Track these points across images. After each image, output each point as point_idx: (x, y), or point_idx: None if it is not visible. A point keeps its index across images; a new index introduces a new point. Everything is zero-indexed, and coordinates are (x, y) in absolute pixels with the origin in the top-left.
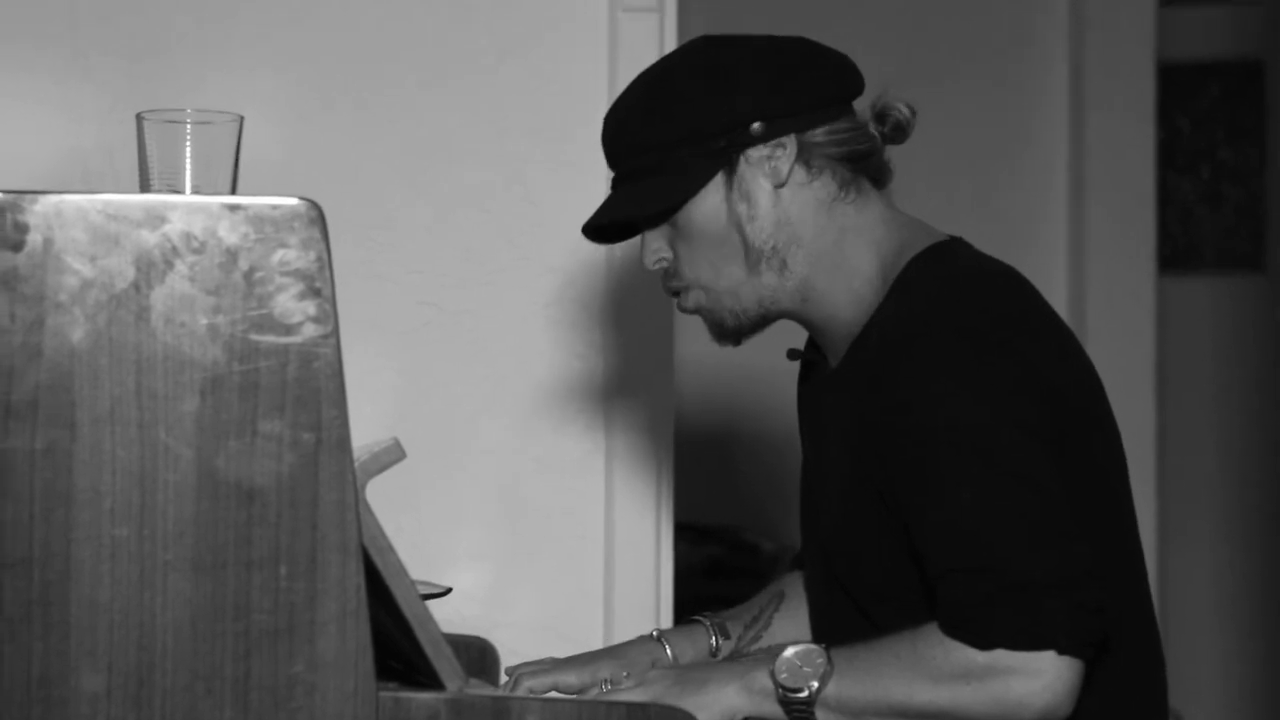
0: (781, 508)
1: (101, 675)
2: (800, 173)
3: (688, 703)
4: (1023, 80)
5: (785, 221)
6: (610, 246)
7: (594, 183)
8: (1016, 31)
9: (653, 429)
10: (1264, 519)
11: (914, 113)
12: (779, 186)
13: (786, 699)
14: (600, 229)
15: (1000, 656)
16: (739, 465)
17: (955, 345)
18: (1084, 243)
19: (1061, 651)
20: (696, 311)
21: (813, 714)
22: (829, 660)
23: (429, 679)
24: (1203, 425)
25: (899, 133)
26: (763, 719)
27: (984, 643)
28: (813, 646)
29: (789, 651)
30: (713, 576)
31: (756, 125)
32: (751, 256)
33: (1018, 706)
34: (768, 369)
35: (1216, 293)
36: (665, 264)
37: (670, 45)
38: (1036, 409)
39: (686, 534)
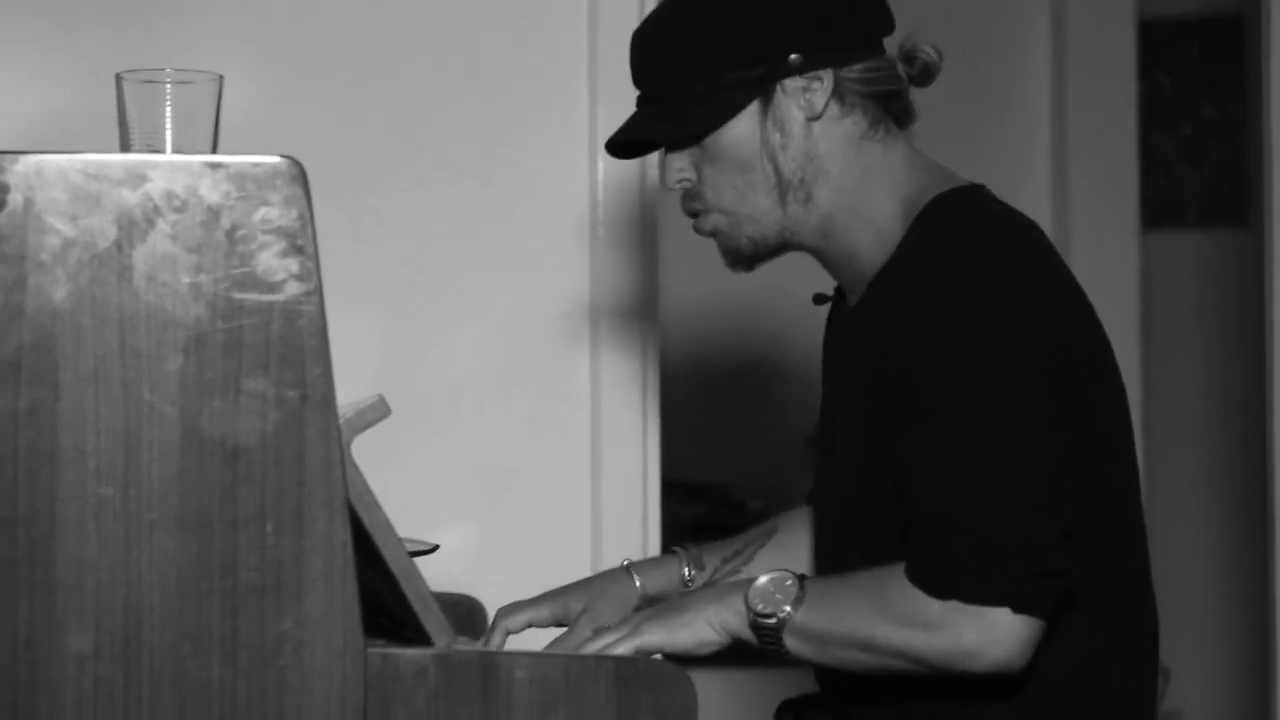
0: (769, 466)
1: (89, 634)
2: (834, 107)
3: (670, 625)
4: (1004, 38)
5: (814, 155)
6: (595, 201)
7: (576, 144)
8: None
9: (639, 386)
10: (1250, 475)
11: (941, 56)
12: (812, 119)
13: (757, 623)
14: (625, 145)
15: (955, 607)
16: (726, 424)
17: (971, 293)
18: (1067, 200)
19: (1016, 610)
20: (714, 234)
21: (780, 638)
22: (801, 588)
23: (417, 635)
24: (1187, 381)
25: (926, 75)
26: (742, 642)
27: (941, 593)
28: (787, 573)
29: (763, 578)
30: (700, 534)
31: (795, 57)
32: (781, 186)
33: (969, 657)
34: (756, 328)
35: (1200, 249)
36: (687, 185)
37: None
38: (1045, 365)
39: (674, 492)
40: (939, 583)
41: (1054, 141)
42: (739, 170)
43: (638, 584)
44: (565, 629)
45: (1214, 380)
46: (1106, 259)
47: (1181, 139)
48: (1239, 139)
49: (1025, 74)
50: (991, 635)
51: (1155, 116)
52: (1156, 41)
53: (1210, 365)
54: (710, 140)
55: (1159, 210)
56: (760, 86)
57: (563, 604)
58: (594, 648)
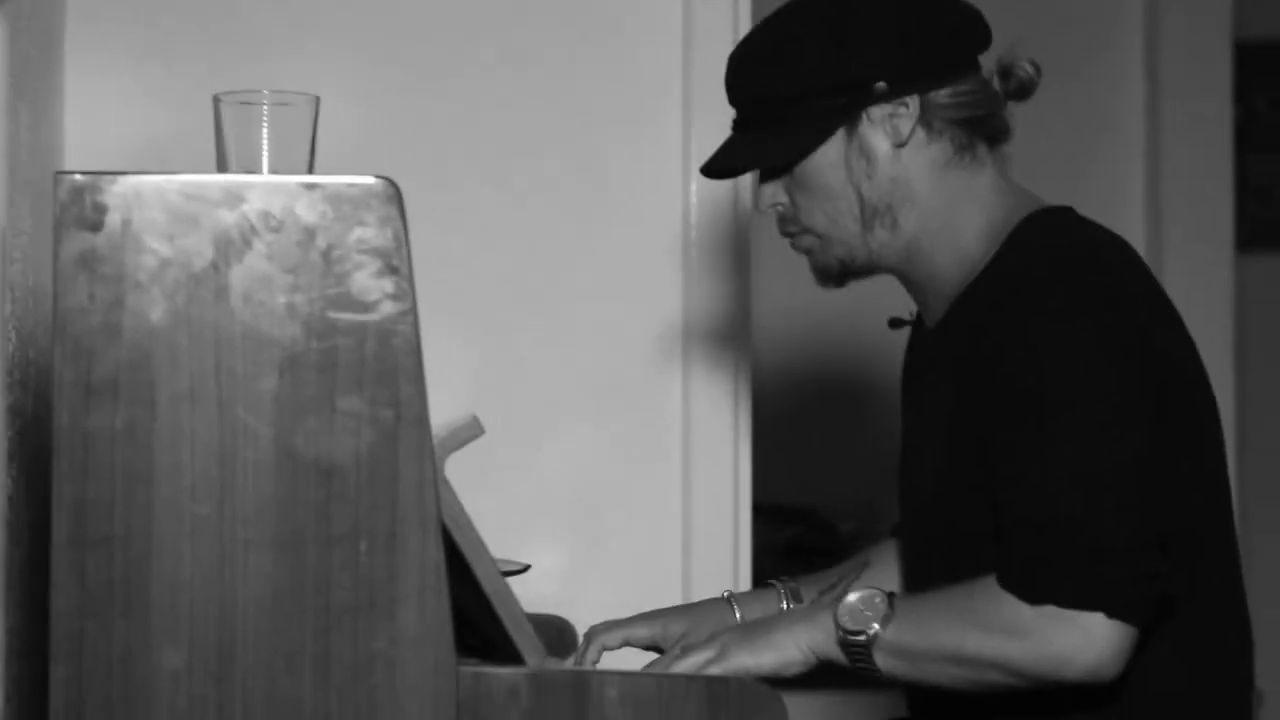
0: (858, 488)
1: (183, 652)
2: (920, 134)
3: (757, 645)
4: (1098, 62)
5: (901, 180)
6: (688, 223)
7: (670, 166)
8: (1091, 14)
9: (731, 408)
10: None
11: (1039, 70)
12: (899, 146)
13: (846, 640)
14: (719, 170)
15: (1049, 612)
16: (817, 446)
17: (1073, 302)
18: (1161, 223)
19: (1110, 615)
20: (807, 253)
21: (871, 656)
22: (890, 605)
23: (509, 655)
24: None
25: (1023, 91)
26: (830, 662)
27: (1035, 598)
28: (876, 591)
29: (852, 596)
30: (791, 557)
31: (881, 85)
32: (866, 212)
33: (1062, 663)
34: (847, 350)
35: None
36: (780, 209)
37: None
38: (1145, 374)
39: (764, 514)
40: (1032, 587)
41: (1148, 165)
42: (826, 197)
43: (738, 615)
44: (659, 652)
45: None
46: (1201, 282)
47: (1277, 162)
48: None
49: (1119, 97)
50: (1084, 641)
51: (1251, 140)
52: (1252, 64)
53: None
54: (799, 168)
55: (1254, 233)
56: (845, 114)
57: (662, 625)
58: (682, 667)
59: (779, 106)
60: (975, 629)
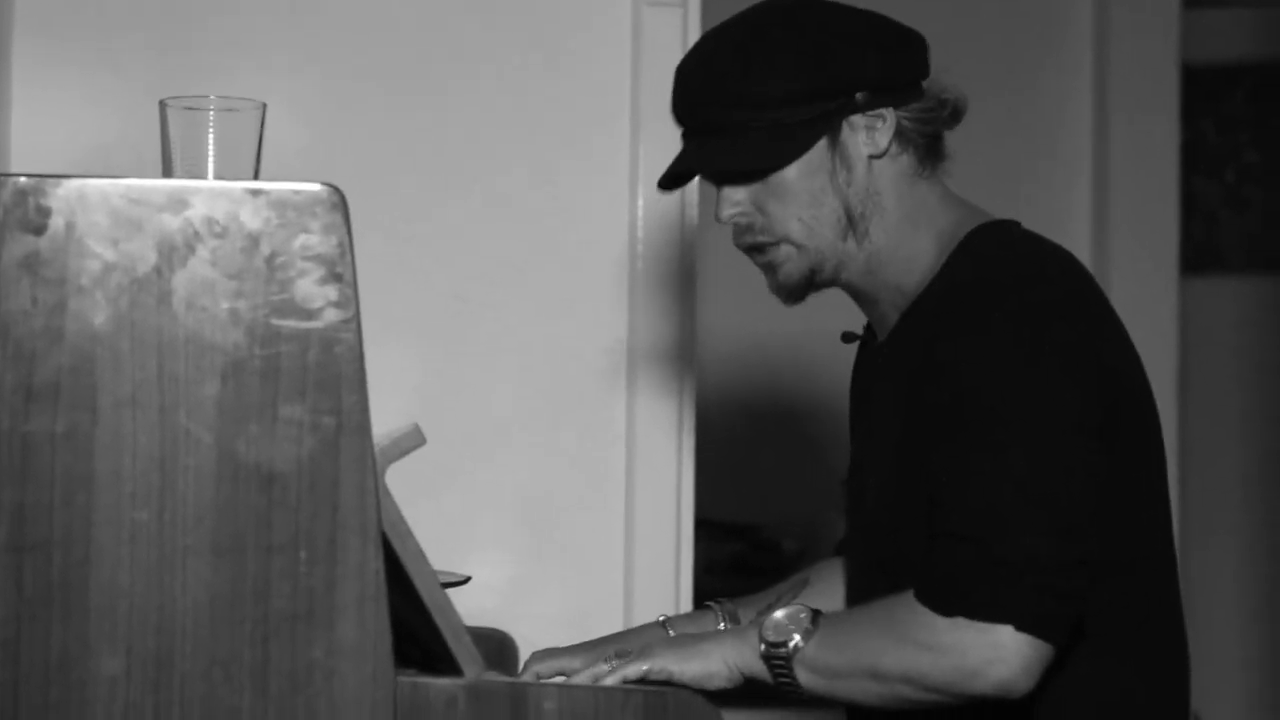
0: (804, 506)
1: (120, 658)
2: (894, 145)
3: (682, 654)
4: (1047, 83)
5: (875, 191)
6: (635, 239)
7: (618, 176)
8: (1041, 34)
9: (675, 424)
10: None
11: (965, 100)
12: (875, 157)
13: (769, 654)
14: (676, 176)
15: (960, 624)
16: (762, 463)
17: (1018, 314)
18: (1107, 245)
19: (1020, 628)
20: (781, 266)
21: (792, 670)
22: (813, 621)
23: (447, 666)
24: (1226, 426)
25: (955, 117)
26: (755, 679)
27: (947, 609)
28: (802, 607)
29: (779, 612)
30: (734, 574)
31: (861, 94)
32: (845, 221)
33: (973, 676)
34: (792, 367)
35: (1240, 295)
36: (744, 219)
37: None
38: (1088, 391)
39: (709, 531)
40: (945, 599)
41: (1095, 186)
42: (806, 205)
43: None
44: None
45: (1253, 425)
46: (1146, 304)
47: (1224, 185)
48: None
49: (1067, 118)
50: (995, 654)
51: (1197, 162)
52: (1199, 87)
53: (1249, 410)
54: (776, 175)
55: (1199, 256)
56: (829, 122)
57: (596, 657)
58: (611, 676)
59: (757, 112)
60: (892, 642)
